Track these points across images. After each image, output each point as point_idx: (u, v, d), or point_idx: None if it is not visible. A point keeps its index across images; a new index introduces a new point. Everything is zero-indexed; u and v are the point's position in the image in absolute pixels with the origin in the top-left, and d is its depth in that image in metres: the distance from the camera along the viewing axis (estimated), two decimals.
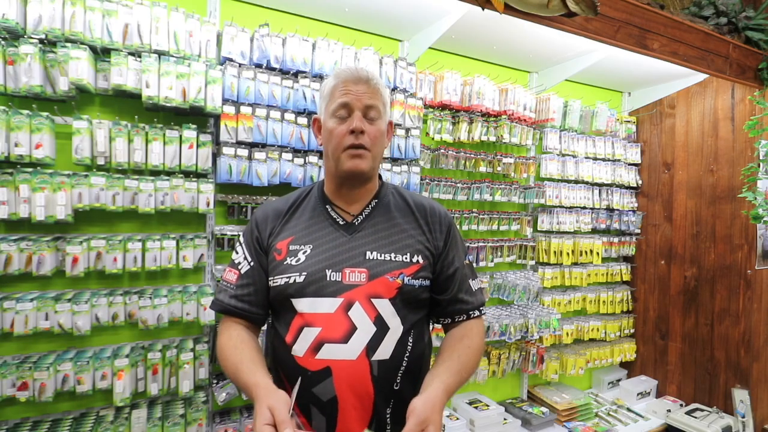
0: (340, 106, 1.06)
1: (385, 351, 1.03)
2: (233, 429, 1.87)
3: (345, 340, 1.01)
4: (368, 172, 1.10)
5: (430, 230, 1.13)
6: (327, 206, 1.14)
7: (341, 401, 1.02)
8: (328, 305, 1.03)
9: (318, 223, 1.12)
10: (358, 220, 1.12)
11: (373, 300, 1.03)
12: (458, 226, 2.46)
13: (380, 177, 1.22)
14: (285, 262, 1.08)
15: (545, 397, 2.76)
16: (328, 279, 1.04)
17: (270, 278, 1.10)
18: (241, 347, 1.05)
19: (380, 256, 1.07)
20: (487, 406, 2.47)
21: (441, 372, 1.02)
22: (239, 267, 1.13)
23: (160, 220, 1.86)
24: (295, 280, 1.05)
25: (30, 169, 1.55)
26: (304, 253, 1.07)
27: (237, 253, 1.15)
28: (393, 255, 1.07)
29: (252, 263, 1.12)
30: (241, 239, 1.17)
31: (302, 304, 1.04)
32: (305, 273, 1.04)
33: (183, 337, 1.87)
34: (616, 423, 2.69)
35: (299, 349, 1.03)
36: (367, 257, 1.06)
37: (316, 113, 1.97)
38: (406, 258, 1.08)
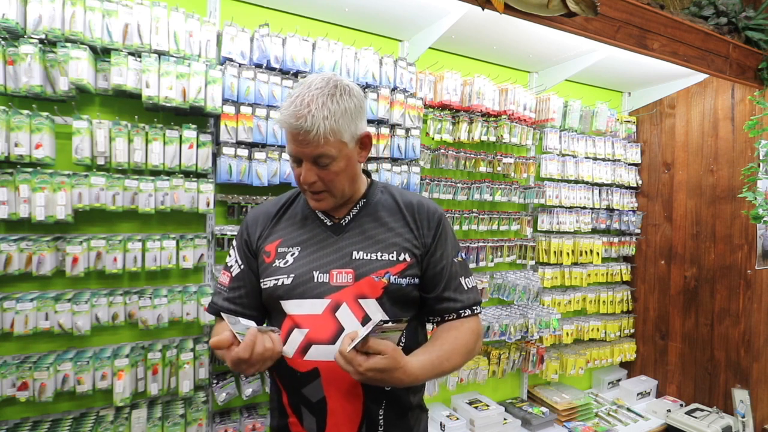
0: (289, 154, 1.03)
1: None
2: (233, 429, 1.87)
3: (332, 341, 1.00)
4: (333, 207, 1.09)
5: (418, 227, 1.10)
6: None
7: (330, 402, 1.02)
8: (315, 306, 1.02)
9: (306, 225, 1.11)
10: (345, 220, 1.11)
11: (360, 300, 1.02)
12: (458, 226, 2.46)
13: (369, 175, 1.20)
14: (273, 265, 1.08)
15: (545, 397, 2.76)
16: (315, 280, 1.03)
17: (261, 281, 1.10)
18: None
19: (366, 255, 1.05)
20: (487, 406, 2.47)
21: (419, 353, 1.00)
22: (231, 270, 1.15)
23: (160, 220, 1.85)
24: (283, 282, 1.05)
25: (30, 169, 1.55)
26: (292, 255, 1.07)
27: (230, 256, 1.17)
28: (379, 254, 1.05)
29: (242, 266, 1.13)
30: (234, 242, 1.18)
31: (290, 306, 1.04)
32: (293, 275, 1.04)
33: (183, 337, 1.87)
34: (616, 423, 2.69)
35: (289, 350, 1.03)
36: (354, 257, 1.05)
37: None
38: (392, 257, 1.05)
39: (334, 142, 0.98)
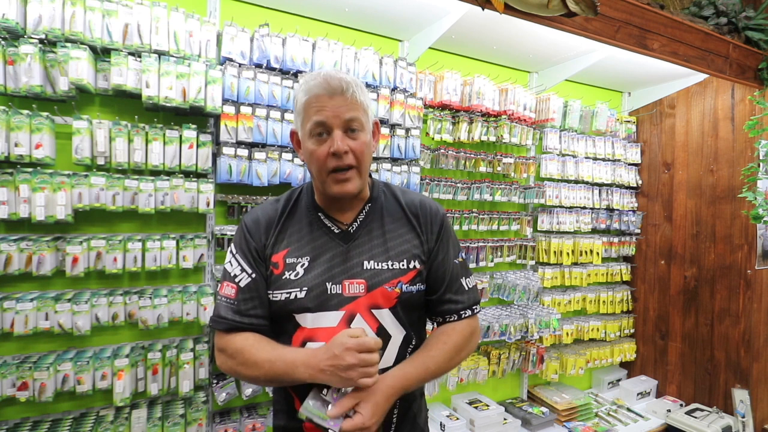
0: (317, 125, 0.97)
1: (388, 359, 1.04)
2: (233, 429, 1.87)
3: None
4: (358, 191, 1.04)
5: (423, 231, 1.10)
6: (319, 213, 1.09)
7: None
8: (330, 319, 1.01)
9: (312, 232, 1.07)
10: (352, 227, 1.08)
11: (373, 311, 1.03)
12: (458, 226, 2.46)
13: (370, 176, 1.17)
14: (284, 277, 1.04)
15: (545, 397, 2.76)
16: (329, 292, 1.02)
17: (269, 292, 1.06)
18: (265, 340, 1.03)
19: (377, 265, 1.04)
20: (487, 406, 2.47)
21: (405, 363, 1.05)
22: (237, 280, 1.05)
23: (160, 220, 1.85)
24: (296, 295, 1.02)
25: (30, 169, 1.55)
26: (302, 266, 1.04)
27: (231, 264, 1.07)
28: (390, 263, 1.05)
29: (253, 275, 1.05)
30: (234, 249, 1.09)
31: (305, 319, 1.02)
32: (306, 288, 1.02)
33: (183, 337, 1.87)
34: (616, 423, 2.69)
35: None
36: (365, 267, 1.04)
37: None
38: (402, 265, 1.06)
39: (362, 109, 1.00)
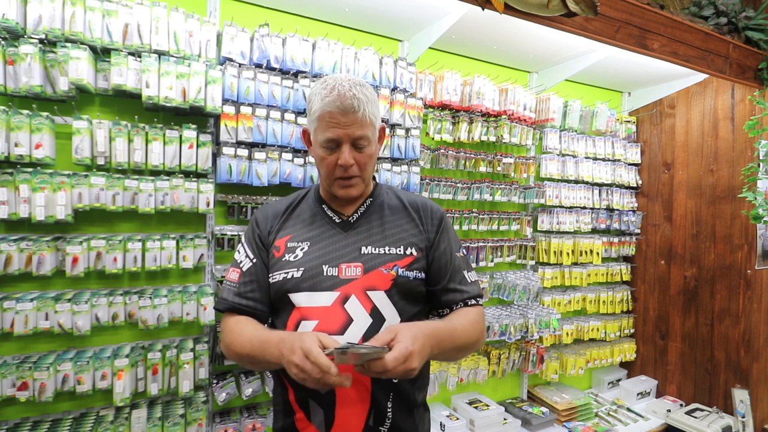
0: (328, 140, 1.06)
1: None
2: (233, 429, 1.87)
3: (341, 331, 1.03)
4: (360, 193, 1.14)
5: (423, 223, 1.17)
6: (323, 206, 1.18)
7: (339, 393, 1.04)
8: (324, 299, 1.05)
9: (315, 222, 1.15)
10: (353, 218, 1.16)
11: (368, 292, 1.06)
12: (458, 226, 2.46)
13: (374, 178, 1.26)
14: (283, 259, 1.11)
15: (545, 397, 2.76)
16: (324, 274, 1.07)
17: (269, 275, 1.13)
18: (253, 323, 1.10)
19: (375, 250, 1.10)
20: (487, 406, 2.47)
21: (434, 322, 1.07)
22: (241, 265, 1.15)
23: (160, 220, 1.85)
24: (293, 275, 1.08)
25: (30, 169, 1.55)
26: (301, 249, 1.11)
27: (239, 252, 1.18)
28: (387, 248, 1.11)
29: (254, 260, 1.15)
30: (243, 240, 1.20)
31: (299, 298, 1.07)
32: (303, 268, 1.08)
33: (183, 337, 1.87)
34: (616, 423, 2.69)
35: None
36: (362, 252, 1.10)
37: None
38: (399, 250, 1.11)
39: (371, 125, 1.08)
